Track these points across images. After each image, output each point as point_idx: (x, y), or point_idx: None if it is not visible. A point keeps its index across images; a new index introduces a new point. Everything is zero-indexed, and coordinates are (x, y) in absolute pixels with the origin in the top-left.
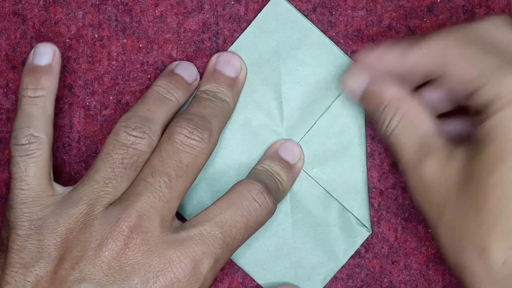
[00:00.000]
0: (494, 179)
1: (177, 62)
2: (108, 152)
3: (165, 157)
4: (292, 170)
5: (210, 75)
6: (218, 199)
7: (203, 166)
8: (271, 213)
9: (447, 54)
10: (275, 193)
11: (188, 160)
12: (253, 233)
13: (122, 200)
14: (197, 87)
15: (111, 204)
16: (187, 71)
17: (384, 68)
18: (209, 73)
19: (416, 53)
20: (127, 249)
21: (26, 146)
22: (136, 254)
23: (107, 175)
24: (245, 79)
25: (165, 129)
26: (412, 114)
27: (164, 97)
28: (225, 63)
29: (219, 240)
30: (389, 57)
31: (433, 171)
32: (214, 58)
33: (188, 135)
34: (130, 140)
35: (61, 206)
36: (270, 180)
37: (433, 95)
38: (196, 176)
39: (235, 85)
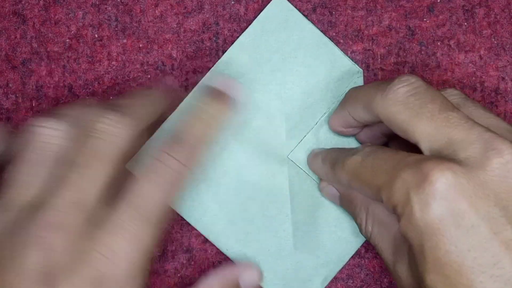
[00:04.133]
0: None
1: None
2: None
3: None
4: None
5: None
6: None
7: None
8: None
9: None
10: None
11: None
12: None
13: None
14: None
15: None
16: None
17: (321, 176)
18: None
19: (339, 175)
20: None
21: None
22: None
23: None
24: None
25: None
26: (381, 217)
27: None
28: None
29: None
30: (322, 173)
31: (404, 274)
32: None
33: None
34: None
35: None
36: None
37: None
38: None
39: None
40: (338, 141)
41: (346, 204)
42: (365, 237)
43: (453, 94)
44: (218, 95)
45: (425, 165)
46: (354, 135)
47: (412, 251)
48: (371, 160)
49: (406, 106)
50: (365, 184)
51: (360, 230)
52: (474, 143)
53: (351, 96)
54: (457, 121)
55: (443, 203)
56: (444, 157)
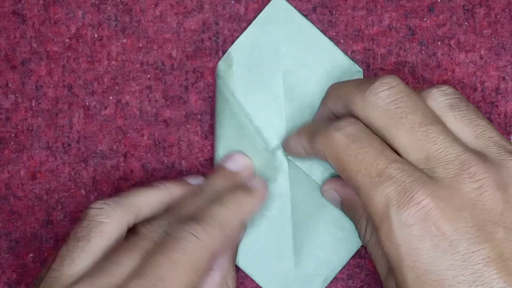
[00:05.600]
0: None
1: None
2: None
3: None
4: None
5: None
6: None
7: None
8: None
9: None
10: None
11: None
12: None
13: None
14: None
15: None
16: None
17: (300, 155)
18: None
19: (317, 143)
20: None
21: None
22: None
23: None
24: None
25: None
26: None
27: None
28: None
29: None
30: (299, 147)
31: None
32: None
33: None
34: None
35: None
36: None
37: None
38: None
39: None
40: None
41: (347, 209)
42: (364, 244)
43: (447, 93)
44: (247, 190)
45: (409, 186)
46: None
47: (392, 268)
48: (356, 148)
49: (386, 113)
50: (345, 172)
51: (359, 237)
52: (451, 163)
53: (332, 92)
54: (437, 136)
55: (422, 224)
56: (428, 177)
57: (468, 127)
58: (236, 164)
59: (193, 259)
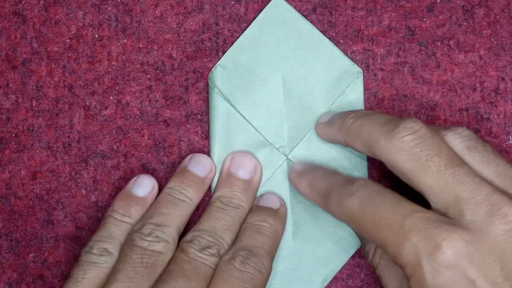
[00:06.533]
0: None
1: (190, 156)
2: (126, 253)
3: (181, 263)
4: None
5: (224, 179)
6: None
7: None
8: (267, 271)
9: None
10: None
11: (204, 269)
12: None
13: None
14: (213, 192)
15: None
16: (200, 166)
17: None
18: (224, 176)
19: (332, 207)
20: None
21: (96, 256)
22: None
23: (129, 274)
24: (261, 178)
25: (183, 230)
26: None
27: (177, 198)
28: (238, 165)
29: None
30: (312, 198)
31: None
32: (227, 160)
33: (199, 252)
34: (145, 243)
35: None
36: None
37: None
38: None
39: (250, 187)
40: None
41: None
42: (372, 266)
43: (464, 136)
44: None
45: (436, 233)
46: None
47: None
48: (371, 209)
49: (411, 156)
50: (366, 233)
51: (366, 257)
52: (481, 204)
53: (351, 129)
54: (464, 178)
55: (453, 271)
56: (453, 222)
57: (488, 167)
58: (246, 172)
59: None
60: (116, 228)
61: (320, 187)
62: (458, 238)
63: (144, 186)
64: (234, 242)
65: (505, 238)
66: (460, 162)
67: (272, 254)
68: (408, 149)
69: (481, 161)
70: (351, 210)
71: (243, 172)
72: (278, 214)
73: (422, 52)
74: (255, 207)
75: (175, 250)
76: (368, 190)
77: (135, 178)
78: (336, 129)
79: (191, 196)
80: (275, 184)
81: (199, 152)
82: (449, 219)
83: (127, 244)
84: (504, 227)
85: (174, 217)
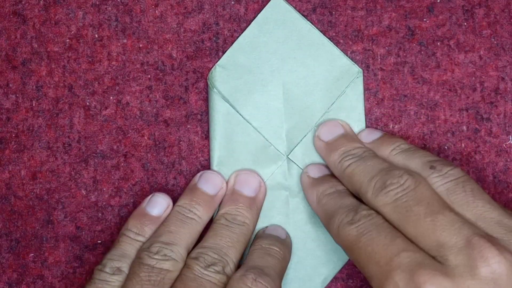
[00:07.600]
0: None
1: (200, 173)
2: (135, 271)
3: (186, 280)
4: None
5: (229, 197)
6: None
7: None
8: None
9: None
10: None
11: (210, 286)
12: None
13: None
14: (218, 210)
15: None
16: (209, 183)
17: None
18: (228, 194)
19: (332, 230)
20: None
21: (109, 275)
22: None
23: None
24: (265, 196)
25: (191, 247)
26: None
27: (186, 217)
28: (243, 183)
29: None
30: (316, 212)
31: None
32: (232, 177)
33: (204, 269)
34: (153, 262)
35: None
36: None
37: None
38: None
39: (255, 204)
40: None
41: None
42: None
43: (446, 177)
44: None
45: (419, 275)
46: None
47: None
48: (365, 241)
49: (395, 209)
50: (357, 263)
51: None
52: (462, 249)
53: (345, 173)
54: (444, 224)
55: None
56: (439, 267)
57: (467, 210)
58: (251, 189)
59: None
60: (129, 246)
61: (326, 205)
62: (438, 285)
63: (158, 205)
64: (239, 259)
65: (488, 282)
66: (441, 208)
67: (281, 276)
68: (391, 202)
69: (460, 204)
70: (348, 238)
71: (247, 189)
72: (285, 243)
73: (422, 52)
74: (262, 234)
75: (182, 269)
76: (368, 222)
77: (150, 196)
78: (332, 165)
79: (201, 214)
80: (275, 184)
81: (199, 152)
82: (436, 262)
83: (136, 262)
84: (487, 270)
85: (183, 235)
